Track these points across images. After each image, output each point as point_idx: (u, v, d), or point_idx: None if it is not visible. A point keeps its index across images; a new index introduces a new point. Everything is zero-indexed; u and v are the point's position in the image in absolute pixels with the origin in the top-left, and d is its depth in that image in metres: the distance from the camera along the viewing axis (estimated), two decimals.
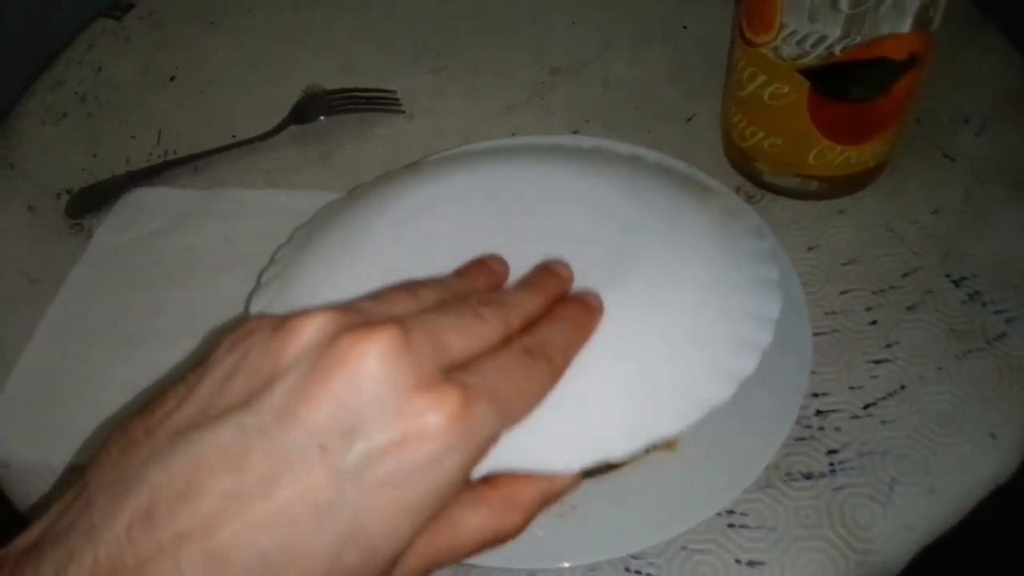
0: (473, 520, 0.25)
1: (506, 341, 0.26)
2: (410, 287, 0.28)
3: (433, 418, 0.22)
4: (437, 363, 0.23)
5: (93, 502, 0.21)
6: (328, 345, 0.22)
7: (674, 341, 0.32)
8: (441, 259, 0.34)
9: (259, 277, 0.41)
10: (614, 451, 0.28)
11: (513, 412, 0.25)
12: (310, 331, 0.23)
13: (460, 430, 0.22)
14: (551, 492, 0.27)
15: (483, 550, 0.26)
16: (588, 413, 0.29)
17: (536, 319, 0.28)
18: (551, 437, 0.28)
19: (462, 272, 0.32)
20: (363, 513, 0.21)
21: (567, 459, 0.28)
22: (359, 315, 0.24)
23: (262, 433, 0.21)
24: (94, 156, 0.57)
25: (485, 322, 0.26)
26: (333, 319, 0.23)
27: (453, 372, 0.23)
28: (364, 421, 0.21)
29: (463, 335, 0.25)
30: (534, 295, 0.29)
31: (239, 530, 0.20)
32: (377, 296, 0.27)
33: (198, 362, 0.24)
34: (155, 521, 0.20)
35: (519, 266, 0.33)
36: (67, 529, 0.20)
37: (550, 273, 0.31)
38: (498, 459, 0.25)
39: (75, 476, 0.23)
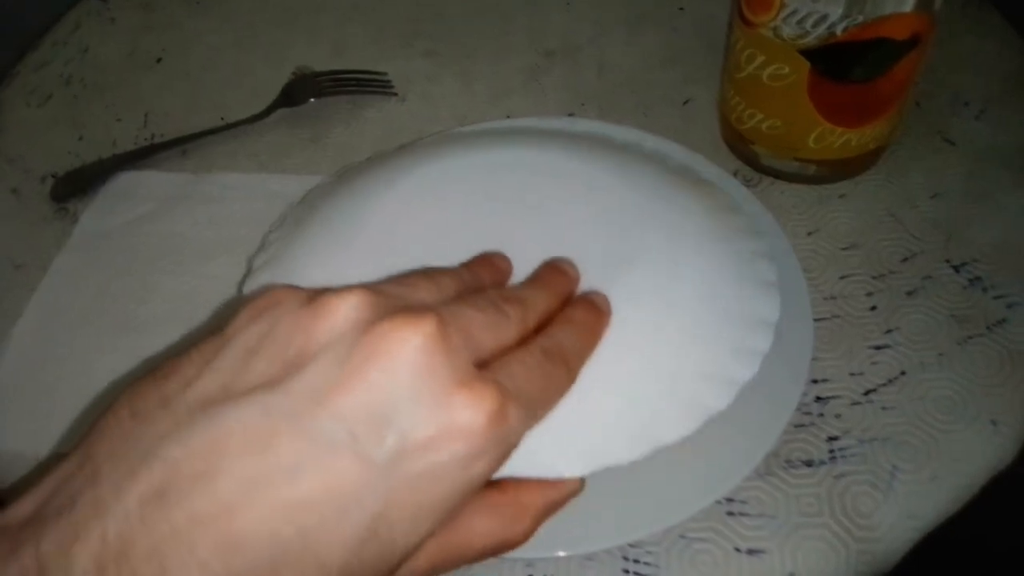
0: (482, 526, 0.25)
1: (522, 341, 0.25)
2: (429, 274, 0.27)
3: (470, 416, 0.21)
4: (470, 358, 0.22)
5: (100, 473, 0.20)
6: (364, 329, 0.21)
7: (676, 344, 0.32)
8: (439, 242, 0.34)
9: (250, 262, 0.40)
10: (618, 458, 0.28)
11: (537, 416, 0.24)
12: (344, 311, 0.22)
13: (494, 432, 0.21)
14: (557, 499, 0.27)
15: (488, 556, 0.25)
16: (592, 418, 0.29)
17: (548, 320, 0.28)
18: (557, 442, 0.27)
19: (469, 266, 0.31)
20: (388, 507, 0.20)
21: (572, 465, 0.28)
22: (392, 299, 0.23)
23: (290, 416, 0.20)
24: (80, 139, 0.56)
25: (508, 320, 0.25)
26: (368, 300, 0.22)
27: (484, 370, 0.23)
28: (398, 412, 0.20)
29: (489, 331, 0.24)
30: (546, 295, 0.28)
31: (259, 516, 0.19)
32: (400, 280, 0.26)
33: (212, 329, 0.23)
34: (169, 500, 0.19)
35: (515, 254, 0.33)
36: (71, 501, 0.19)
37: (559, 272, 0.31)
38: (507, 463, 0.24)
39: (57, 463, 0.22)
